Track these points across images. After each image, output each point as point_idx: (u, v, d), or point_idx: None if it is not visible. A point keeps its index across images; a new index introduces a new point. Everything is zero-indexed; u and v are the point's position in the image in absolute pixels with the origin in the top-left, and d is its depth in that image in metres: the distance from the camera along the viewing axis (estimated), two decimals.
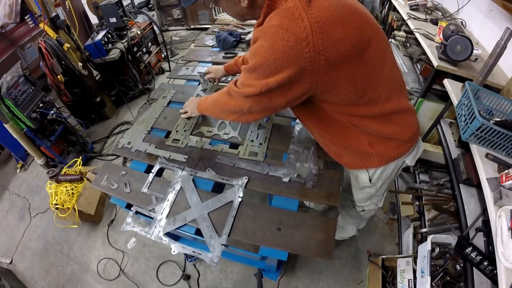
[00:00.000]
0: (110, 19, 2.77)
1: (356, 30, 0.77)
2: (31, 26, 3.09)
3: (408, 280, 1.34)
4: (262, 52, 0.76)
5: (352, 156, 1.06)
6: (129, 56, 2.88)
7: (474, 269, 1.06)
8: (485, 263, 1.00)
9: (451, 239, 1.26)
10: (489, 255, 1.02)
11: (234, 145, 1.30)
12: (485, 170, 1.09)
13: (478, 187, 1.15)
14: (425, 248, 1.23)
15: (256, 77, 0.80)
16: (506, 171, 1.01)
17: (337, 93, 0.81)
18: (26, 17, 3.02)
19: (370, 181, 1.12)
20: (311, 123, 1.07)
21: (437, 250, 1.24)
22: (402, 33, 2.20)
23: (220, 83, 1.62)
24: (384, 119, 0.93)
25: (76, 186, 2.01)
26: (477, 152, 1.15)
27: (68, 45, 2.41)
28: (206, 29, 2.38)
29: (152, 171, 1.22)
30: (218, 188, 1.18)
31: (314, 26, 0.70)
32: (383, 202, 1.35)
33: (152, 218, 1.09)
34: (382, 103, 0.89)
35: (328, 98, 0.85)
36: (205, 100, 1.23)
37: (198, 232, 1.05)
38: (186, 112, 1.40)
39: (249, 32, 2.02)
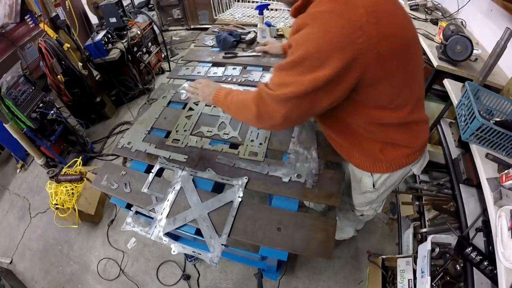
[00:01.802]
0: (110, 19, 2.77)
1: (404, 30, 0.72)
2: (31, 26, 3.09)
3: (408, 280, 1.34)
4: (312, 39, 0.66)
5: (363, 157, 1.04)
6: (129, 56, 2.88)
7: (474, 269, 1.06)
8: (485, 263, 1.00)
9: (451, 239, 1.26)
10: (489, 255, 1.02)
11: (234, 145, 1.30)
12: (485, 170, 1.09)
13: (478, 187, 1.15)
14: (425, 248, 1.23)
15: (301, 71, 0.69)
16: (506, 171, 1.01)
17: (374, 92, 0.75)
18: (26, 17, 3.02)
19: (373, 186, 1.10)
20: (326, 125, 1.03)
21: (437, 250, 1.24)
22: None
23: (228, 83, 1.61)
24: (403, 127, 0.90)
25: (76, 186, 2.01)
26: (477, 152, 1.15)
27: (68, 45, 2.41)
28: (206, 29, 2.38)
29: (152, 171, 1.22)
30: (218, 188, 1.18)
31: (370, 16, 0.64)
32: (382, 207, 1.35)
33: (152, 218, 1.09)
34: (407, 111, 0.85)
35: (360, 98, 0.78)
36: (226, 94, 1.03)
37: (198, 232, 1.05)
38: (195, 94, 1.17)
39: (249, 32, 2.02)
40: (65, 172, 2.03)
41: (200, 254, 1.01)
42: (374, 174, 1.07)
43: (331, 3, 0.66)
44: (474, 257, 1.02)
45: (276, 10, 2.25)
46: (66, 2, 2.75)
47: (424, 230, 1.48)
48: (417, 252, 1.32)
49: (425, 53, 1.82)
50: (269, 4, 2.10)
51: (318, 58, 0.66)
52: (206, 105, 1.50)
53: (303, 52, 0.68)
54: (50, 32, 2.31)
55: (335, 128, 1.00)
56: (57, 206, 1.92)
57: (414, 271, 1.34)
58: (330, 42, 0.64)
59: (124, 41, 2.81)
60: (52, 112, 2.27)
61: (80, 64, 2.51)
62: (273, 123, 0.84)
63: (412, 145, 0.98)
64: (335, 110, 0.86)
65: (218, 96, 1.06)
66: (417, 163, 1.05)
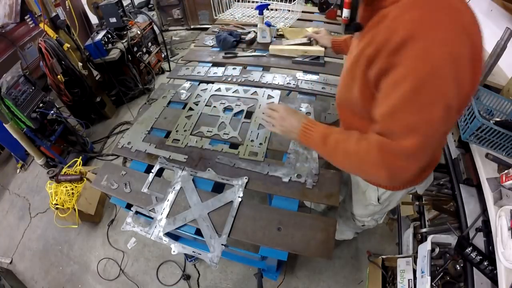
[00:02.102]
0: (110, 19, 2.77)
1: None
2: (31, 26, 3.09)
3: (408, 280, 1.34)
4: (431, 54, 0.52)
5: None
6: (129, 56, 2.88)
7: (474, 269, 1.06)
8: (485, 263, 1.00)
9: (451, 239, 1.26)
10: (489, 255, 1.02)
11: (234, 145, 1.30)
12: (485, 170, 1.09)
13: (478, 187, 1.15)
14: (425, 248, 1.23)
15: (428, 100, 0.55)
16: (506, 171, 1.01)
17: None
18: (26, 17, 3.02)
19: (378, 200, 1.10)
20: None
21: (437, 250, 1.24)
22: None
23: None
24: None
25: (76, 186, 2.01)
26: (477, 152, 1.15)
27: (68, 45, 2.41)
28: (206, 29, 2.38)
29: (152, 171, 1.22)
30: (218, 188, 1.18)
31: (474, 26, 0.56)
32: (383, 218, 1.34)
33: (152, 218, 1.09)
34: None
35: None
36: (323, 136, 0.80)
37: (198, 232, 1.05)
38: (270, 124, 0.96)
39: (249, 32, 2.02)
40: (65, 172, 2.03)
41: (200, 254, 1.01)
42: (380, 188, 1.06)
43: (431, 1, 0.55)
44: (474, 257, 1.02)
45: (276, 10, 2.25)
46: (66, 2, 2.75)
47: (424, 230, 1.48)
48: (417, 252, 1.32)
49: None
50: (269, 4, 2.09)
51: (443, 75, 0.53)
52: (206, 105, 1.51)
53: (425, 71, 0.53)
54: (50, 32, 2.31)
55: None
56: (57, 206, 1.92)
57: (414, 271, 1.34)
58: (449, 51, 0.52)
59: (124, 41, 2.81)
60: (52, 112, 2.27)
61: (80, 64, 2.51)
62: (405, 180, 0.68)
63: (428, 165, 0.95)
64: None
65: (309, 137, 0.84)
66: (422, 183, 1.04)
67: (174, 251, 1.03)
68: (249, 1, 2.31)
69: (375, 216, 1.27)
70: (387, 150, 0.62)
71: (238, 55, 1.87)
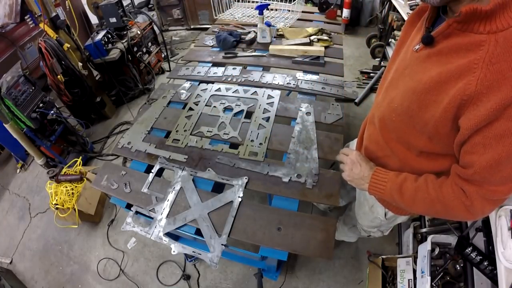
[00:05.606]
0: (110, 19, 2.77)
1: None
2: (31, 26, 3.09)
3: (408, 280, 1.34)
4: None
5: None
6: (129, 56, 2.88)
7: (474, 269, 1.06)
8: (485, 263, 1.00)
9: (451, 239, 1.26)
10: (489, 255, 1.02)
11: (234, 145, 1.30)
12: None
13: None
14: (425, 248, 1.23)
15: None
16: None
17: None
18: (26, 17, 3.02)
19: (385, 215, 1.09)
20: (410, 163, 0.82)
21: (437, 250, 1.24)
22: None
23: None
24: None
25: (76, 186, 2.01)
26: None
27: (68, 45, 2.41)
28: (206, 29, 2.38)
29: (152, 171, 1.22)
30: (218, 188, 1.18)
31: None
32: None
33: (152, 218, 1.09)
34: None
35: None
36: (396, 187, 0.78)
37: (198, 232, 1.05)
38: (343, 169, 0.97)
39: (249, 32, 2.02)
40: (65, 172, 2.03)
41: (200, 254, 1.01)
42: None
43: None
44: (474, 257, 1.02)
45: (276, 10, 2.26)
46: (66, 2, 2.75)
47: (424, 230, 1.48)
48: (417, 252, 1.32)
49: None
50: (269, 4, 2.10)
51: None
52: (206, 105, 1.51)
53: None
54: (50, 32, 2.31)
55: (408, 169, 0.82)
56: (57, 206, 1.92)
57: (414, 271, 1.34)
58: None
59: (124, 41, 2.81)
60: (52, 112, 2.27)
61: (80, 64, 2.51)
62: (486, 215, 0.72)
63: None
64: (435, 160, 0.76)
65: (379, 188, 0.83)
66: None
67: (174, 251, 1.03)
68: (249, 1, 2.31)
69: (381, 228, 1.27)
70: (483, 196, 0.64)
71: (238, 55, 1.87)
